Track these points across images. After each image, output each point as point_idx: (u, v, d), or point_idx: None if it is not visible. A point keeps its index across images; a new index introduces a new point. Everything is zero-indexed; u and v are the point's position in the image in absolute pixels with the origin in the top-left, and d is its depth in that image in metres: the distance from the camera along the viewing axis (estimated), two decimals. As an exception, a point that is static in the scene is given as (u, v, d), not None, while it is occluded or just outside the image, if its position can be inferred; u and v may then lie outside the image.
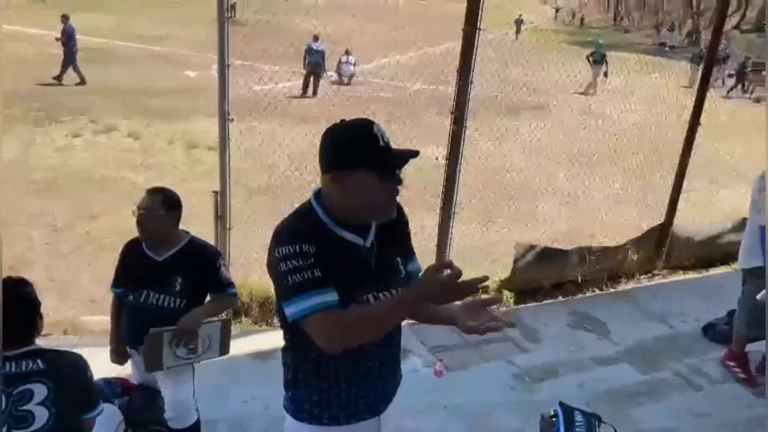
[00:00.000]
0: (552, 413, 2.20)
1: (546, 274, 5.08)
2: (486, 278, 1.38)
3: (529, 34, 26.63)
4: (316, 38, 13.19)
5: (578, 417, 2.17)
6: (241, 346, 3.73)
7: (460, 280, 1.33)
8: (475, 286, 1.35)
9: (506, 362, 3.58)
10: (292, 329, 1.53)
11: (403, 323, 4.02)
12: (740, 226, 5.69)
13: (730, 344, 3.65)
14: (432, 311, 1.62)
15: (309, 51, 12.99)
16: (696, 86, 5.51)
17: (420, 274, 1.60)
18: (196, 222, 4.26)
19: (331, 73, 13.89)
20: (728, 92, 16.76)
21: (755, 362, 3.48)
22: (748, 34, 28.36)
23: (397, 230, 1.66)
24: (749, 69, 17.21)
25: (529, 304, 4.76)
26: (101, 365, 2.69)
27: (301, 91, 12.93)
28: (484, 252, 5.51)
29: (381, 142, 1.49)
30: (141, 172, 7.57)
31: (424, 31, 17.13)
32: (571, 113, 10.75)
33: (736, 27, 31.46)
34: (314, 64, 12.92)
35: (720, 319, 4.12)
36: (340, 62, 14.15)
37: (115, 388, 2.52)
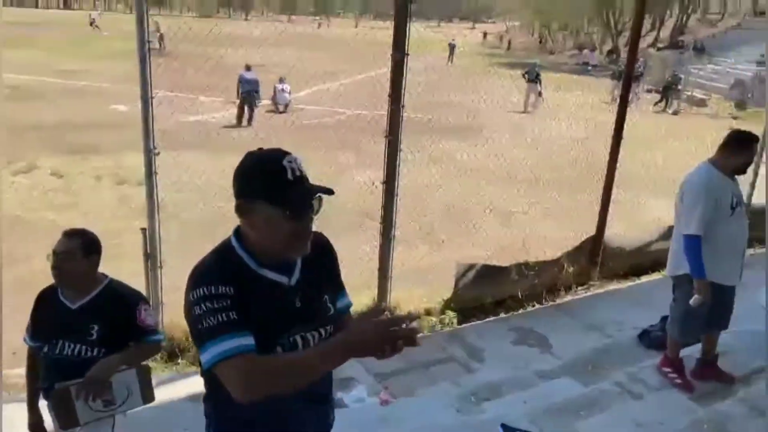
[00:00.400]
0: (496, 436, 2.19)
1: (487, 292, 5.14)
2: (417, 316, 1.34)
3: (460, 58, 27.44)
4: (248, 68, 13.11)
5: (521, 437, 2.16)
6: (179, 388, 3.57)
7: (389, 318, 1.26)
8: (407, 323, 1.26)
9: (452, 384, 3.57)
10: (210, 378, 1.42)
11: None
12: (667, 234, 5.93)
13: (665, 350, 3.76)
14: None
15: (241, 80, 12.88)
16: (618, 101, 5.77)
17: (353, 319, 1.57)
18: (128, 262, 4.10)
19: (266, 102, 13.79)
20: (656, 104, 17.69)
21: (690, 367, 3.59)
22: (662, 51, 30.14)
23: (323, 266, 1.58)
24: (673, 84, 18.18)
25: (472, 323, 4.79)
26: (20, 420, 2.51)
27: (236, 121, 12.78)
28: (425, 273, 5.53)
29: (289, 176, 1.39)
30: (65, 211, 7.21)
31: (359, 59, 17.31)
32: (505, 132, 11.05)
33: (652, 45, 33.41)
34: (247, 94, 12.80)
35: (654, 325, 4.26)
36: (275, 91, 14.09)
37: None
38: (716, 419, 2.84)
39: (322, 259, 1.57)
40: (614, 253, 5.87)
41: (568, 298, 5.45)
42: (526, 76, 16.44)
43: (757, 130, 6.66)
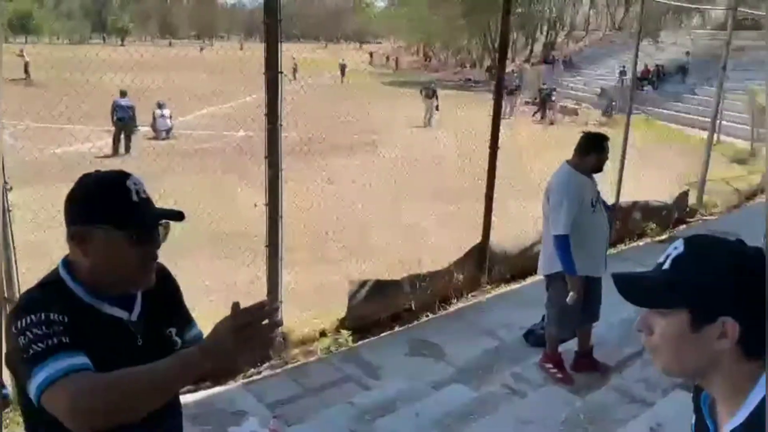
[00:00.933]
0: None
1: (381, 307, 5.14)
2: (266, 303, 1.19)
3: (351, 77, 27.84)
4: (123, 94, 12.46)
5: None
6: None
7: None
8: (267, 311, 1.16)
9: (347, 404, 3.50)
10: (40, 424, 1.25)
11: (238, 382, 3.73)
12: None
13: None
14: None
15: (116, 107, 12.23)
16: (504, 115, 6.04)
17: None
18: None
19: (145, 129, 13.18)
20: (533, 115, 18.82)
21: (569, 361, 3.77)
22: (536, 66, 32.16)
23: (166, 297, 1.47)
24: (546, 96, 19.44)
25: (368, 339, 4.76)
26: None
27: (111, 151, 12.09)
28: (318, 295, 5.45)
29: (134, 197, 1.30)
30: None
31: (246, 81, 17.03)
32: (402, 147, 11.23)
33: (527, 61, 35.60)
34: (124, 121, 12.17)
35: (537, 324, 4.44)
36: (154, 117, 13.49)
37: None
38: (592, 408, 2.98)
39: (164, 290, 1.46)
40: (500, 258, 6.10)
41: (460, 305, 5.58)
42: (423, 92, 17.44)
43: (621, 132, 7.28)
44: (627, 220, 7.35)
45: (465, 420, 2.87)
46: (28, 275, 3.79)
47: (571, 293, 3.43)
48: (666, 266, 1.03)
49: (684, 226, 8.10)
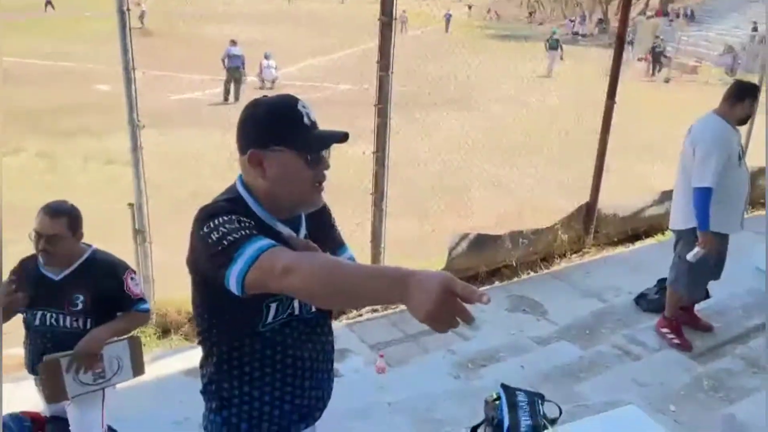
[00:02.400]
0: (495, 396, 2.15)
1: (481, 261, 5.11)
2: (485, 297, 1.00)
3: (454, 30, 27.19)
4: (233, 43, 12.91)
5: (521, 397, 2.12)
6: (172, 363, 3.53)
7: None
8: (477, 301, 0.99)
9: (447, 351, 3.54)
10: (222, 323, 1.36)
11: (342, 322, 3.85)
12: (660, 199, 5.92)
13: (662, 312, 3.74)
14: None
15: (227, 55, 12.69)
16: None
17: None
18: (117, 241, 4.01)
19: (252, 79, 13.61)
20: (650, 74, 17.64)
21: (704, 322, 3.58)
22: (652, 18, 29.89)
23: (322, 221, 1.53)
24: (660, 51, 18.17)
25: (466, 293, 4.75)
26: (12, 401, 2.46)
27: (223, 98, 12.61)
28: (419, 244, 5.48)
29: (306, 120, 1.34)
30: (53, 193, 7.09)
31: (346, 33, 17.07)
32: (502, 103, 10.94)
33: (641, 13, 33.13)
34: (233, 69, 12.63)
35: (650, 289, 4.23)
36: (260, 67, 13.88)
37: (22, 422, 2.28)
38: (715, 375, 2.83)
39: (321, 216, 1.52)
40: (608, 219, 5.84)
41: (563, 265, 5.43)
42: (547, 44, 17.91)
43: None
44: (754, 187, 6.78)
45: (575, 376, 2.82)
46: (155, 211, 4.09)
47: (696, 249, 3.22)
48: None
49: (817, 196, 7.37)
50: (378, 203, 4.49)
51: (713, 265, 3.36)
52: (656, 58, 18.08)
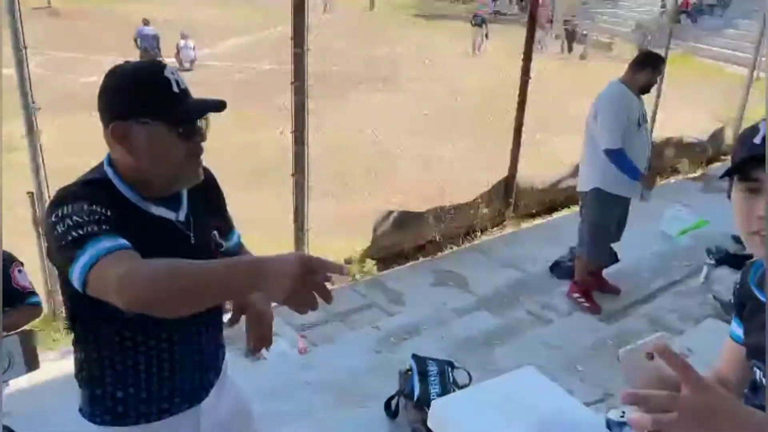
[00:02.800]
0: (407, 367, 2.19)
1: (406, 238, 5.17)
2: (347, 272, 1.07)
3: (381, 8, 27.00)
4: (146, 22, 12.35)
5: (431, 366, 2.18)
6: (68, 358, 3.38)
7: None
8: (338, 273, 0.99)
9: (372, 328, 3.57)
10: (83, 310, 1.25)
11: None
12: (575, 171, 6.16)
13: (574, 278, 3.92)
14: None
15: (140, 36, 12.14)
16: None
17: None
18: (20, 233, 3.78)
19: (169, 60, 13.09)
20: (565, 52, 18.17)
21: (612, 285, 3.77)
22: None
23: (210, 200, 1.42)
24: (572, 29, 18.76)
25: (392, 269, 4.81)
26: None
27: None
28: (343, 224, 5.48)
29: (175, 88, 1.21)
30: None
31: (271, 12, 16.66)
32: (426, 82, 11.01)
33: (559, -7, 33.99)
34: (148, 50, 12.11)
35: (564, 256, 4.42)
36: (177, 47, 13.36)
37: None
38: (620, 335, 2.99)
39: (208, 193, 1.41)
40: (527, 192, 6.03)
41: (485, 238, 5.57)
42: (473, 22, 18.09)
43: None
44: (661, 156, 7.17)
45: (490, 344, 2.92)
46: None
47: (643, 192, 3.42)
48: None
49: (719, 164, 7.88)
50: (299, 183, 4.43)
51: (614, 229, 3.54)
52: (569, 36, 18.64)
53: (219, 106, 1.25)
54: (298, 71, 4.19)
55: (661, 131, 7.10)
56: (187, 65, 13.41)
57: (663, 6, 20.61)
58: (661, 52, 7.69)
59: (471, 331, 3.21)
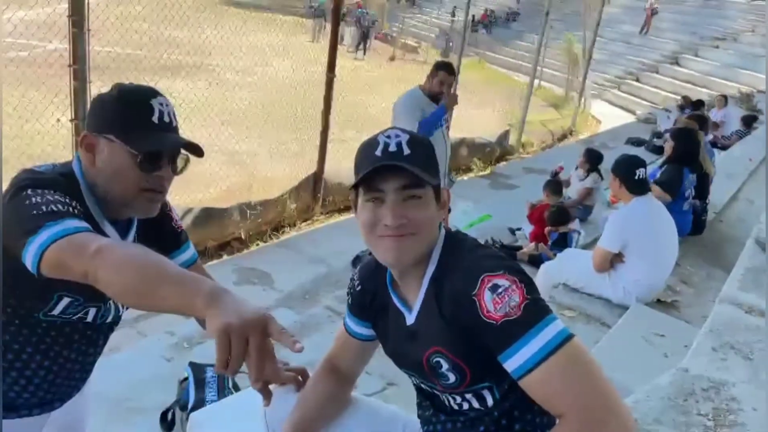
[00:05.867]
0: (184, 376, 2.08)
1: (209, 235, 4.97)
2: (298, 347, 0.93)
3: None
4: None
5: (210, 372, 2.09)
6: None
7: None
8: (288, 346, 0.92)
9: (165, 333, 3.35)
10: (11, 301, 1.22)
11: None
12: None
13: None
14: None
15: None
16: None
17: None
18: None
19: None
20: (356, 51, 18.61)
21: None
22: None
23: (160, 230, 1.42)
24: (365, 31, 19.42)
25: (192, 269, 4.58)
26: None
27: None
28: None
29: (155, 118, 1.22)
30: None
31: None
32: (231, 73, 10.66)
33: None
34: None
35: (366, 250, 4.57)
36: (-62, 16, 11.36)
37: None
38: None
39: (161, 225, 1.41)
40: (335, 188, 6.15)
41: (294, 234, 5.57)
42: (314, 10, 18.44)
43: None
44: (456, 155, 7.77)
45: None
46: None
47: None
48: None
49: (504, 162, 8.78)
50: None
51: None
52: (363, 36, 19.22)
53: (195, 149, 1.27)
54: (78, 53, 3.81)
55: (455, 132, 7.69)
56: (-50, 38, 11.47)
57: (453, 15, 22.12)
58: (461, 57, 8.38)
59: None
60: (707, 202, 4.51)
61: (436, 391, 1.23)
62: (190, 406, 1.91)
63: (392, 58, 18.55)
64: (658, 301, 3.32)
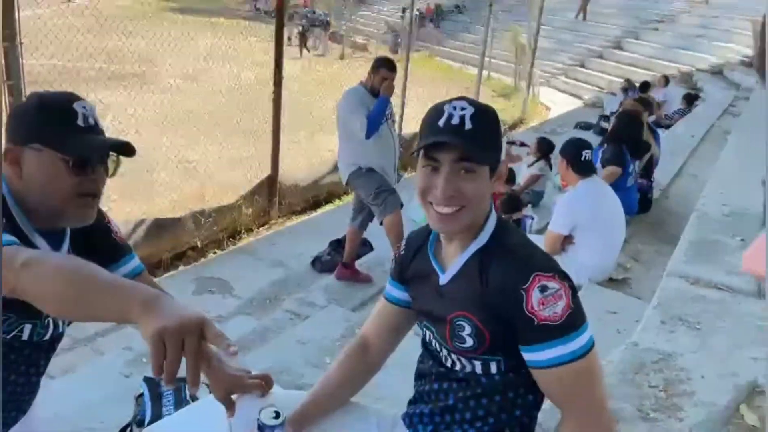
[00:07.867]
0: (140, 392, 2.04)
1: (163, 247, 4.88)
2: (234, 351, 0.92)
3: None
4: None
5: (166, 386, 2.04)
6: None
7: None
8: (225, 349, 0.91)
9: (123, 350, 3.27)
10: None
11: None
12: (335, 168, 6.41)
13: (335, 271, 4.08)
14: None
15: None
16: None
17: None
18: None
19: None
20: (301, 50, 18.37)
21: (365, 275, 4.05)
22: None
23: (95, 238, 1.36)
24: (304, 31, 19.28)
25: (148, 282, 4.48)
26: None
27: None
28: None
29: (80, 122, 1.20)
30: None
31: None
32: (176, 80, 10.46)
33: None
34: None
35: (324, 251, 4.56)
36: None
37: None
38: (363, 322, 3.16)
39: (95, 233, 1.36)
40: (290, 190, 6.12)
41: (250, 239, 5.51)
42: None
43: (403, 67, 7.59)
44: (409, 150, 7.81)
45: (246, 348, 2.86)
46: None
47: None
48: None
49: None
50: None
51: (387, 186, 3.87)
52: (303, 36, 19.03)
53: (124, 148, 1.25)
54: (11, 68, 3.67)
55: (408, 127, 7.73)
56: None
57: (403, 11, 22.18)
58: (410, 52, 8.41)
59: (230, 338, 3.12)
60: (653, 180, 4.65)
61: (444, 350, 1.26)
62: (147, 421, 1.88)
63: (342, 57, 18.50)
64: (610, 279, 3.41)
